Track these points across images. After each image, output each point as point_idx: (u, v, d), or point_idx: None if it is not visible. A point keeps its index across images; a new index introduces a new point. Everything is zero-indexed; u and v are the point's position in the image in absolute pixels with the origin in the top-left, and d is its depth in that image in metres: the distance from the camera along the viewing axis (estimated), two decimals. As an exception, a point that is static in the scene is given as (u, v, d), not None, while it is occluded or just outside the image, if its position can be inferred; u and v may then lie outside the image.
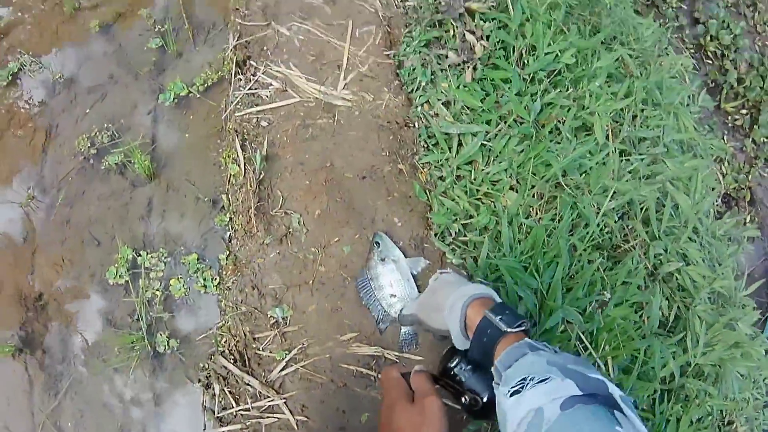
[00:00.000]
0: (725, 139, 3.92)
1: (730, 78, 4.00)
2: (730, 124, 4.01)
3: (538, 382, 1.15)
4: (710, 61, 4.13)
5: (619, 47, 2.63)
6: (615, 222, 2.27)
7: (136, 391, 2.27)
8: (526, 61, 2.45)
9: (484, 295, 1.55)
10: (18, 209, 2.63)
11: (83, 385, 2.33)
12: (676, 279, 2.32)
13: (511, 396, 1.18)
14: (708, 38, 4.11)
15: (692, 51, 4.10)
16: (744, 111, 3.99)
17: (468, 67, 2.44)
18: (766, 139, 3.89)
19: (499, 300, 1.55)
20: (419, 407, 1.30)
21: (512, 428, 1.14)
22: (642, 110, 2.54)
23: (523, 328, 1.41)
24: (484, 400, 1.41)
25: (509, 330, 1.38)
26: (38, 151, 2.73)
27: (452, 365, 1.51)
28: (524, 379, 1.19)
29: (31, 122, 2.80)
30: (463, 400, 1.45)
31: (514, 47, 2.45)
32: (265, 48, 2.54)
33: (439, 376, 1.53)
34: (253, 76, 2.48)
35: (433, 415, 1.27)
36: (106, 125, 2.63)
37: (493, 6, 2.55)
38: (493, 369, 1.35)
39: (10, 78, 2.87)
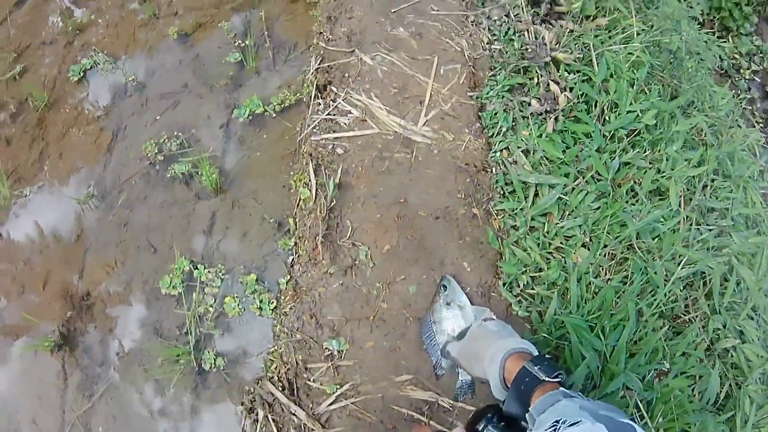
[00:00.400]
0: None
1: None
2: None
3: (570, 425, 1.16)
4: None
5: (697, 114, 2.59)
6: (680, 291, 2.21)
7: (173, 405, 2.21)
8: (607, 118, 2.41)
9: (523, 350, 1.57)
10: (74, 206, 2.61)
11: (120, 391, 2.28)
12: (731, 356, 2.26)
13: None
14: None
15: (762, 125, 4.06)
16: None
17: (550, 117, 2.41)
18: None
19: (536, 353, 1.57)
20: None
21: None
22: (713, 180, 2.50)
23: (559, 378, 1.42)
24: None
25: (547, 379, 1.40)
26: (103, 150, 2.71)
27: (480, 428, 1.51)
28: (557, 421, 1.19)
29: (98, 121, 2.79)
30: None
31: (596, 102, 2.42)
32: (347, 75, 2.52)
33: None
34: (333, 101, 2.45)
35: None
36: (176, 133, 2.62)
37: (578, 58, 2.53)
38: (527, 416, 1.35)
39: (81, 74, 2.88)
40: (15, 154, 2.84)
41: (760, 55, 4.44)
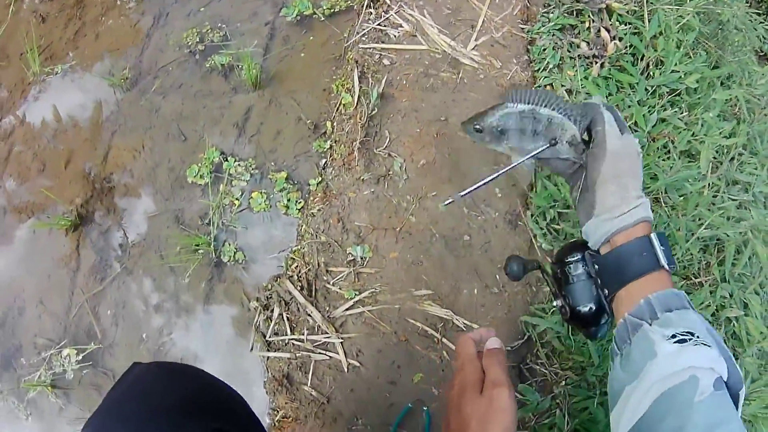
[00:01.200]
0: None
1: None
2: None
3: (703, 345, 1.03)
4: None
5: (736, 87, 2.58)
6: (697, 252, 2.21)
7: (186, 295, 2.20)
8: (651, 73, 2.40)
9: (650, 219, 1.22)
10: (106, 87, 2.57)
11: (133, 276, 2.27)
12: (734, 325, 2.27)
13: (674, 342, 1.04)
14: None
15: None
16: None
17: (597, 62, 2.38)
18: None
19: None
20: (488, 398, 1.14)
21: (659, 374, 1.03)
22: (740, 154, 2.49)
23: (673, 271, 1.20)
24: (576, 311, 1.27)
25: (667, 266, 1.16)
26: (141, 35, 2.67)
27: (570, 260, 1.30)
28: (690, 333, 1.05)
29: (140, 4, 2.74)
30: (556, 302, 1.33)
31: (643, 56, 2.39)
32: (402, -12, 2.47)
33: (546, 267, 1.38)
34: (385, 13, 2.40)
35: (502, 409, 1.11)
36: (219, 25, 2.57)
37: (632, 11, 2.49)
38: (642, 302, 1.13)
39: (125, -45, 2.81)
40: (49, 32, 2.80)
41: (803, 41, 4.38)
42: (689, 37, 2.47)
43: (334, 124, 2.25)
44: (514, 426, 1.10)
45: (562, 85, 2.32)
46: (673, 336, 1.05)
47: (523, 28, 2.47)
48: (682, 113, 2.37)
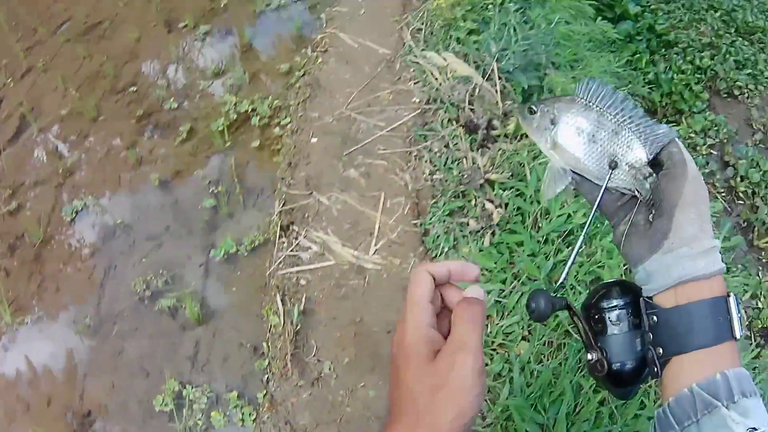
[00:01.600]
0: (760, 274, 4.00)
1: (761, 215, 4.29)
2: (764, 260, 4.19)
3: None
4: (741, 201, 4.41)
5: None
6: None
7: None
8: (540, 225, 2.80)
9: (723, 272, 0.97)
10: (74, 335, 2.99)
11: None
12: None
13: None
14: (738, 179, 4.45)
15: (723, 194, 4.43)
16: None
17: (487, 232, 2.82)
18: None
19: None
20: (444, 366, 0.83)
21: None
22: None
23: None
24: (614, 368, 1.02)
25: (740, 336, 0.94)
26: (96, 286, 3.12)
27: (606, 306, 1.04)
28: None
29: (91, 258, 3.21)
30: (588, 355, 1.04)
31: (529, 212, 2.82)
32: (306, 215, 2.98)
33: (577, 308, 1.08)
34: (295, 239, 2.90)
35: (460, 386, 0.82)
36: (161, 271, 3.03)
37: (511, 176, 2.98)
38: (718, 377, 0.89)
39: (74, 215, 3.30)
40: (14, 285, 3.23)
41: (715, 128, 4.87)
42: None
43: (269, 343, 2.69)
44: (475, 408, 0.82)
45: None
46: (754, 430, 0.89)
47: (415, 224, 2.97)
48: (580, 248, 2.77)
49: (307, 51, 4.14)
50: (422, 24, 4.02)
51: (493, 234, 2.82)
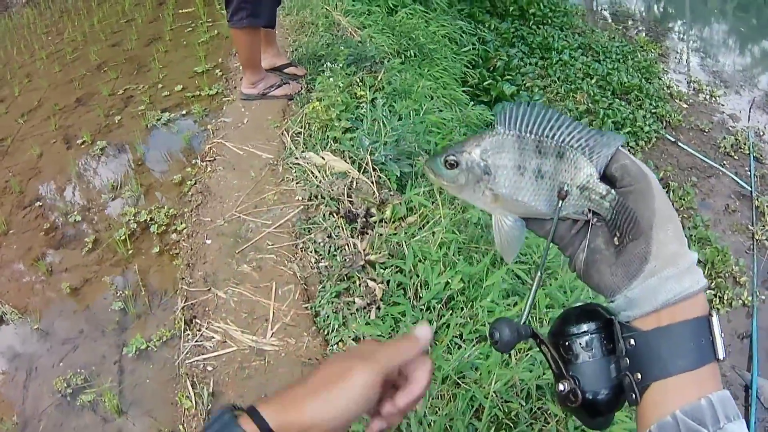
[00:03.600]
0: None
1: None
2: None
3: None
4: None
5: (513, 265, 3.29)
6: (521, 406, 2.64)
7: None
8: (421, 295, 3.19)
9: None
10: (2, 436, 3.28)
11: None
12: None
13: None
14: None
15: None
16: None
17: (372, 307, 3.22)
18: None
19: None
20: (344, 365, 0.96)
21: None
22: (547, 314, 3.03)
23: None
24: (588, 397, 0.96)
25: (722, 358, 0.88)
26: (20, 387, 3.42)
27: (575, 331, 0.98)
28: None
29: (12, 363, 3.51)
30: (559, 386, 0.97)
31: (409, 285, 3.24)
32: (207, 308, 3.39)
33: (543, 336, 1.03)
34: (199, 331, 3.30)
35: (350, 390, 0.92)
36: (79, 370, 3.36)
37: (390, 255, 3.45)
38: (703, 402, 0.84)
39: (-5, 323, 3.61)
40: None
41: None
42: (449, 248, 3.28)
43: (185, 426, 3.06)
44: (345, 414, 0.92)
45: (349, 336, 3.12)
46: None
47: (306, 307, 3.41)
48: (462, 311, 3.05)
49: (197, 161, 4.58)
50: (301, 128, 4.54)
51: (378, 308, 3.20)
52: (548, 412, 2.67)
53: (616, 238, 0.92)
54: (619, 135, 0.95)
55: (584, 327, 0.97)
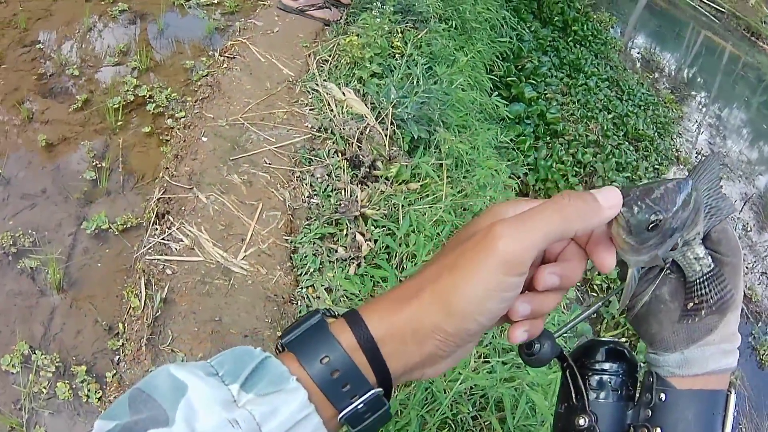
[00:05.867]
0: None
1: (612, 309, 4.60)
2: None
3: None
4: (595, 294, 4.83)
5: None
6: (468, 411, 2.63)
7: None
8: (405, 266, 3.07)
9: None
10: None
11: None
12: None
13: None
14: (595, 272, 4.79)
15: (579, 284, 4.76)
16: (624, 339, 4.56)
17: (353, 262, 3.07)
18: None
19: None
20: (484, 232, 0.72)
21: None
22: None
23: None
24: None
25: None
26: (-36, 233, 3.13)
27: (603, 368, 0.94)
28: None
29: (-42, 208, 3.21)
30: (580, 420, 0.91)
31: (397, 252, 3.10)
32: (183, 208, 3.12)
33: (570, 358, 0.97)
34: (168, 229, 3.04)
35: (490, 250, 0.70)
36: (30, 231, 3.08)
37: (386, 215, 3.25)
38: None
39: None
40: None
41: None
42: (442, 230, 3.16)
43: (125, 325, 2.82)
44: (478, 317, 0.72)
45: (322, 285, 2.99)
46: None
47: (287, 240, 3.18)
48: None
49: (215, 53, 4.29)
50: (329, 56, 4.30)
51: (359, 265, 3.05)
52: (487, 424, 2.63)
53: (692, 302, 0.89)
54: (733, 204, 0.92)
55: (614, 366, 0.95)
